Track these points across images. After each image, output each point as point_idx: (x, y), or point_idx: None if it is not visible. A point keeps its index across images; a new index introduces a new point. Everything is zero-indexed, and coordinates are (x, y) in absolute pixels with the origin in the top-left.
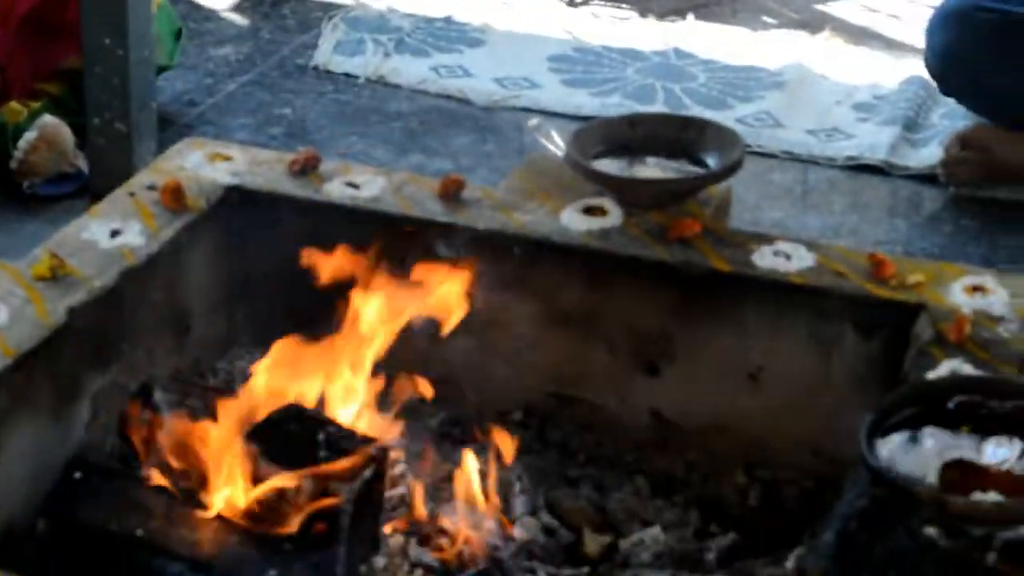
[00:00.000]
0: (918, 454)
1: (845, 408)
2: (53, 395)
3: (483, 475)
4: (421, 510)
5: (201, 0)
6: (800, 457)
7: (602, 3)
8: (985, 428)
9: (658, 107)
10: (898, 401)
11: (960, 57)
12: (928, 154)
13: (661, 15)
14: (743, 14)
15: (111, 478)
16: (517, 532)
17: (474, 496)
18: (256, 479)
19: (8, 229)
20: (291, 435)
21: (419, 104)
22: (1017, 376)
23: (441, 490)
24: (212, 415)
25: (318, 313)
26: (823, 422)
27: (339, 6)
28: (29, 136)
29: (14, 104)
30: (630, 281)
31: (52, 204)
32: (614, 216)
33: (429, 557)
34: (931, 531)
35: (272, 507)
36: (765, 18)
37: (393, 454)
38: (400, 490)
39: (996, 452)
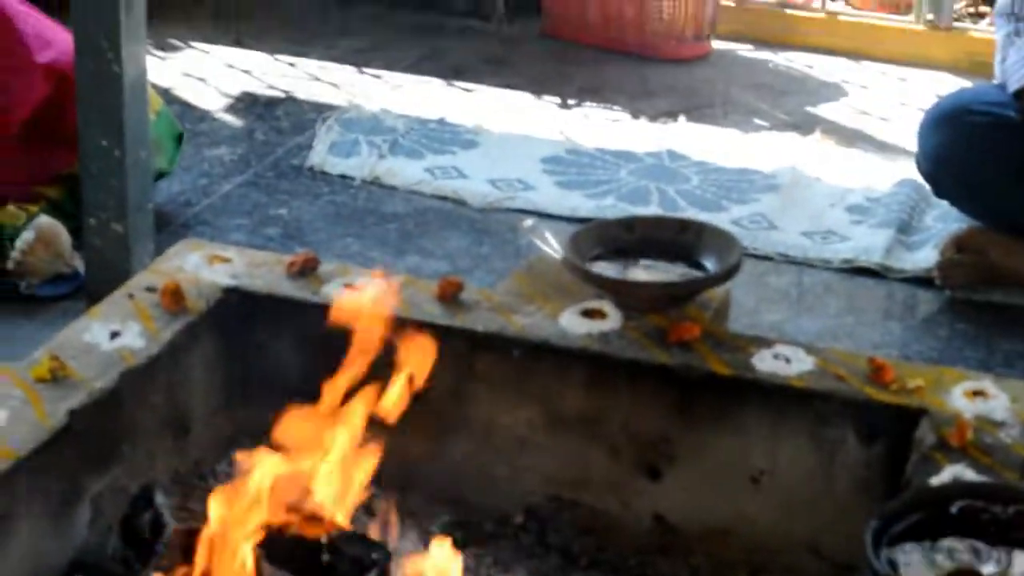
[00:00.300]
0: (923, 562)
1: (848, 512)
2: (53, 498)
3: None
4: None
5: (195, 101)
6: (804, 561)
7: (594, 105)
8: (988, 534)
9: (652, 209)
10: (901, 508)
11: (952, 160)
12: (923, 257)
13: (653, 117)
14: (734, 116)
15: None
16: None
17: None
18: None
19: (6, 330)
20: (295, 537)
21: (414, 205)
22: (1019, 482)
23: None
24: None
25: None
26: (827, 526)
27: (333, 107)
28: (26, 236)
29: (12, 207)
30: (630, 384)
31: (50, 305)
32: (613, 319)
33: None
34: None
35: None
36: (756, 120)
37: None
38: None
39: (1000, 559)
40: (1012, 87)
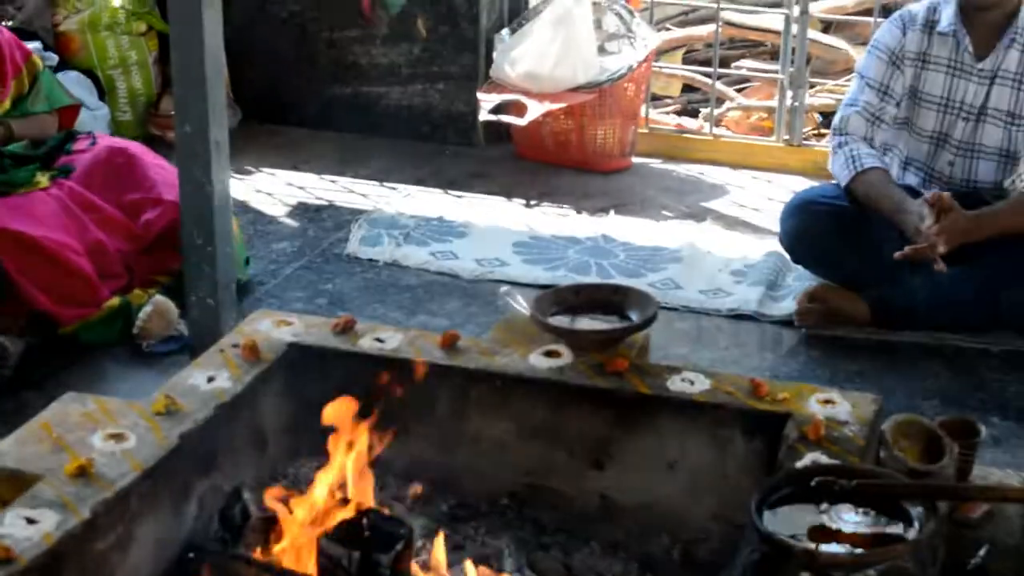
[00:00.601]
0: (792, 521)
1: (738, 488)
2: (170, 497)
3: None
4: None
5: (265, 210)
6: (707, 524)
7: (549, 204)
8: (836, 500)
9: (592, 277)
10: (775, 484)
11: (804, 237)
12: (785, 306)
13: (591, 212)
14: (649, 209)
15: (215, 556)
16: None
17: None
18: (320, 552)
19: (132, 378)
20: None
21: (422, 279)
22: (858, 464)
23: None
24: (287, 508)
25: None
26: (722, 498)
27: (363, 211)
28: (147, 310)
29: (137, 291)
30: (579, 403)
31: (163, 359)
32: (566, 357)
33: None
34: (804, 574)
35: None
36: (664, 212)
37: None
38: (423, 556)
39: (848, 519)
40: (842, 184)
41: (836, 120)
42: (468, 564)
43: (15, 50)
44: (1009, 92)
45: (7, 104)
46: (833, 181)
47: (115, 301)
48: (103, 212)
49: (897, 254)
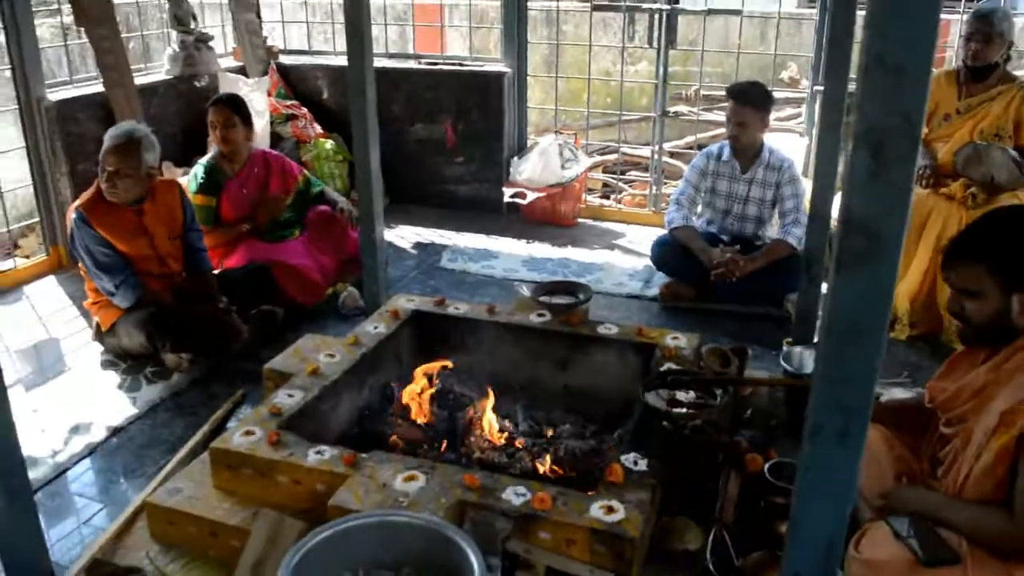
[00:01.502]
0: (659, 396)
1: (632, 381)
2: (356, 385)
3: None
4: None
5: (400, 245)
6: (619, 399)
7: (539, 242)
8: (680, 387)
9: (560, 277)
10: (651, 380)
11: (661, 257)
12: (654, 291)
13: (560, 246)
14: (587, 245)
15: (373, 418)
16: (520, 427)
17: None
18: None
19: (337, 328)
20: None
21: (477, 279)
22: (690, 368)
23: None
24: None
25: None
26: (627, 386)
27: (447, 245)
28: (344, 295)
29: (340, 285)
30: (554, 339)
31: (353, 319)
32: (548, 317)
33: (485, 441)
34: (665, 423)
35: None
36: (594, 245)
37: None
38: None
39: (686, 396)
40: (668, 228)
41: (671, 200)
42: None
43: (293, 169)
44: (760, 188)
45: (290, 199)
46: None
47: (330, 291)
48: (322, 248)
49: (712, 276)
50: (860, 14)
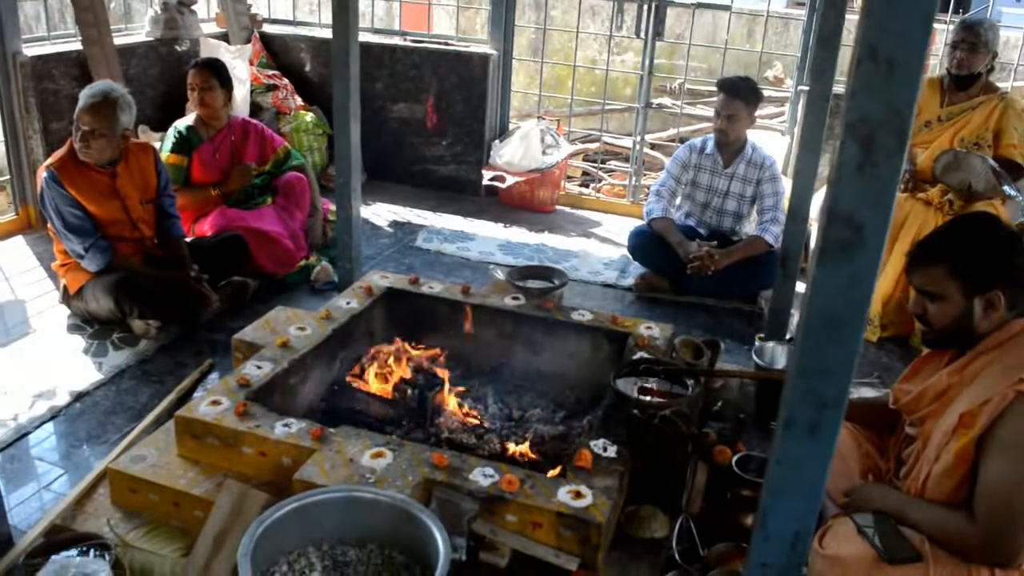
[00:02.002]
0: (630, 385)
1: (604, 368)
2: (326, 358)
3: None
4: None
5: (376, 223)
6: (590, 385)
7: (516, 227)
8: (652, 375)
9: (536, 261)
10: (623, 368)
11: (638, 247)
12: (629, 281)
13: (536, 231)
14: (564, 231)
15: (349, 389)
16: (489, 410)
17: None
18: (396, 388)
19: (310, 302)
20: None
21: (453, 260)
22: (662, 358)
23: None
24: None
25: (420, 333)
26: (599, 372)
27: (423, 225)
28: (317, 268)
29: (313, 257)
30: (528, 323)
31: (325, 293)
32: (523, 300)
33: (459, 424)
34: (635, 412)
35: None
36: (571, 233)
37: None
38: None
39: (657, 385)
40: (646, 223)
41: (651, 191)
42: (452, 395)
43: (275, 139)
44: (740, 184)
45: (267, 167)
46: None
47: (302, 263)
48: (295, 215)
49: (688, 269)
50: (850, 17)
